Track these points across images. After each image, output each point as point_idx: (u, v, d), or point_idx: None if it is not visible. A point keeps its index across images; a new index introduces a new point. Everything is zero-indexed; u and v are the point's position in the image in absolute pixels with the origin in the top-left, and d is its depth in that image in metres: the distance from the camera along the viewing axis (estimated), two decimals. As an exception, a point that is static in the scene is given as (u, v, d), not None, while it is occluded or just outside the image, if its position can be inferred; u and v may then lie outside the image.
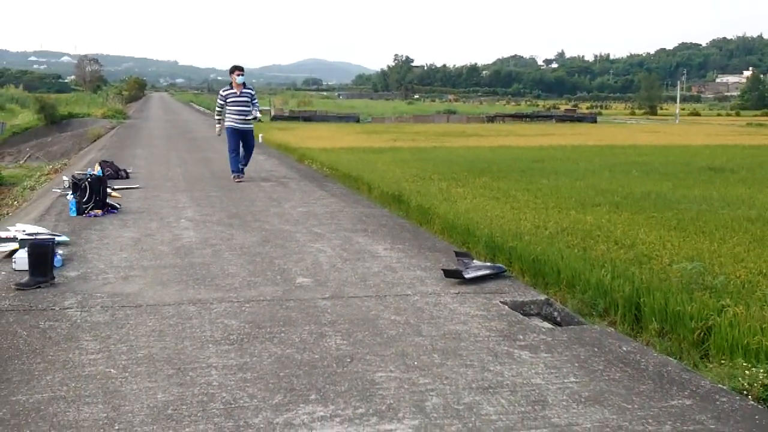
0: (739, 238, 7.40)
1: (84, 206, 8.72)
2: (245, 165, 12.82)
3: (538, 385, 3.75)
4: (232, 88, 12.48)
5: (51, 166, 20.03)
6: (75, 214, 8.65)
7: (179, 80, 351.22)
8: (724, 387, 3.82)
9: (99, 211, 8.76)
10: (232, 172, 12.55)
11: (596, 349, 4.34)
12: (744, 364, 4.13)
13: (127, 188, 11.29)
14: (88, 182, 8.79)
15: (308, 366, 3.92)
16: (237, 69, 12.49)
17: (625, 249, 6.80)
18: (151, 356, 4.04)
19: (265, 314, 4.86)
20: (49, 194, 11.05)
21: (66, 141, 30.46)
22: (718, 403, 3.61)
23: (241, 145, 12.61)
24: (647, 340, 4.91)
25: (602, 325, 5.07)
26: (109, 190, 10.01)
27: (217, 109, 12.77)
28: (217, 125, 12.91)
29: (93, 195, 8.81)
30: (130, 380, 3.69)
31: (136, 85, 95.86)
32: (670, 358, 4.32)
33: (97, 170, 11.38)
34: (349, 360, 4.02)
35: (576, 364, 4.07)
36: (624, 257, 6.43)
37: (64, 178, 10.59)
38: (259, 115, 12.79)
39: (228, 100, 12.40)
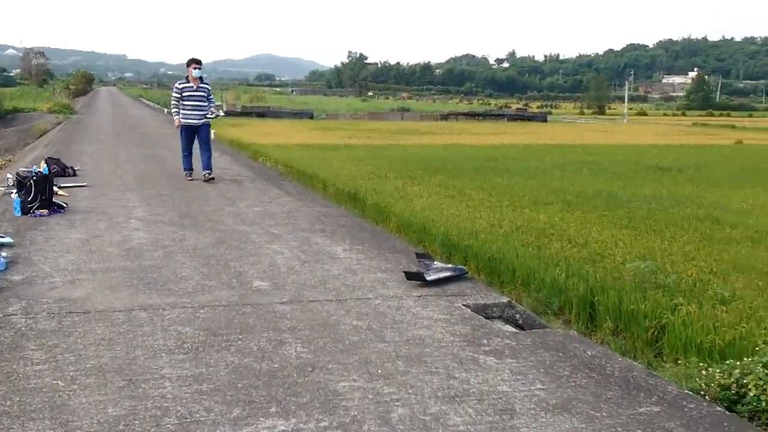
0: (689, 236, 7.53)
1: (29, 205, 8.41)
2: (208, 166, 12.02)
3: (504, 393, 3.67)
4: (188, 82, 11.93)
5: (-7, 163, 19.34)
6: (20, 214, 8.34)
7: (128, 74, 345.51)
8: (691, 392, 3.81)
9: (45, 211, 8.46)
10: (185, 169, 12.13)
11: (561, 354, 4.29)
12: (701, 364, 4.14)
13: (74, 186, 10.93)
14: (34, 180, 8.46)
15: (267, 376, 3.77)
16: (194, 62, 11.94)
17: (578, 247, 6.84)
18: (101, 367, 3.84)
19: (221, 320, 4.69)
20: (-8, 193, 10.62)
21: (10, 136, 29.47)
22: (686, 409, 3.57)
23: (197, 143, 12.11)
24: (602, 339, 4.92)
25: (561, 326, 5.06)
26: (55, 189, 9.69)
27: (173, 102, 12.23)
28: (176, 117, 12.23)
29: (38, 194, 8.49)
30: (78, 393, 3.50)
31: (83, 79, 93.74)
32: (635, 363, 4.30)
33: (42, 167, 11.01)
34: (310, 369, 3.88)
35: (542, 370, 4.01)
36: (577, 256, 6.46)
37: (8, 175, 10.20)
38: (221, 113, 12.33)
39: (184, 94, 11.89)
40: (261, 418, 3.29)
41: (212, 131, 13.72)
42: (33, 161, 13.91)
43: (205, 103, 11.98)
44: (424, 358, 4.11)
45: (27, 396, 3.46)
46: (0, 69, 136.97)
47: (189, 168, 12.14)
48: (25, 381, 3.64)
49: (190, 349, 4.15)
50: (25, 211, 8.36)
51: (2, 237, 6.86)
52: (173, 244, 7.05)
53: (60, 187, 10.27)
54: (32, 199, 8.43)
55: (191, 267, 6.12)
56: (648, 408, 3.56)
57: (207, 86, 12.17)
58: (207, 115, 11.94)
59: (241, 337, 4.38)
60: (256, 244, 7.14)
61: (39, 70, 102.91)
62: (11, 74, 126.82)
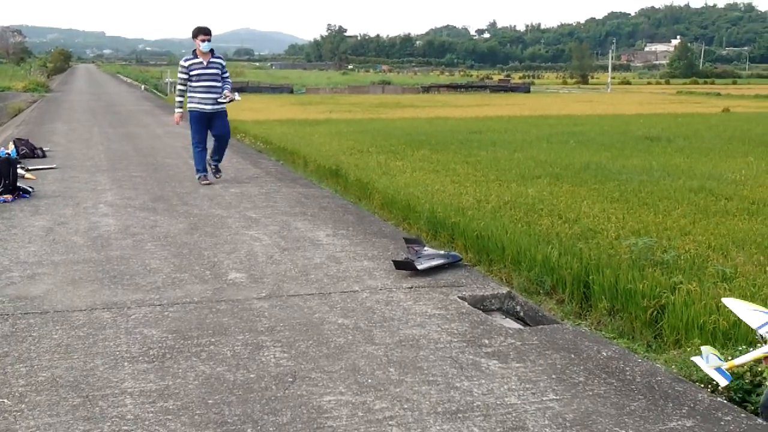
0: (683, 209, 7.25)
1: (-8, 191, 7.96)
2: (219, 161, 9.72)
3: (513, 406, 3.24)
4: (195, 57, 9.27)
5: (-37, 145, 18.72)
6: (-19, 201, 7.88)
7: (107, 51, 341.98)
8: (725, 401, 3.40)
9: (9, 196, 8.04)
10: (197, 171, 9.55)
11: (573, 356, 3.86)
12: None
13: (42, 169, 10.46)
14: (-4, 165, 7.99)
15: (242, 389, 3.36)
16: (202, 32, 9.25)
17: (569, 223, 6.55)
18: (55, 380, 3.44)
19: (192, 320, 4.29)
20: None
21: (-18, 117, 28.73)
22: (722, 423, 3.13)
23: (208, 134, 9.54)
24: (597, 319, 4.65)
25: (559, 314, 4.71)
26: (22, 172, 9.26)
27: (179, 87, 9.54)
28: (177, 109, 9.76)
29: (2, 178, 8.05)
30: (26, 414, 3.10)
31: (60, 57, 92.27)
32: (657, 365, 3.86)
33: (10, 149, 10.52)
34: (291, 380, 3.47)
35: (553, 376, 3.58)
36: (569, 232, 6.18)
37: (-28, 159, 9.69)
38: (237, 96, 9.58)
39: (192, 74, 9.24)
40: (233, 443, 2.88)
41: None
42: (3, 142, 13.38)
43: (219, 84, 9.34)
44: (419, 364, 3.69)
45: (-32, 418, 3.06)
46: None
47: (203, 169, 9.54)
48: (-33, 398, 3.24)
49: (156, 356, 3.75)
50: (-13, 197, 7.93)
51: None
52: (143, 231, 6.64)
53: (27, 170, 9.81)
54: (-6, 184, 7.98)
55: (162, 257, 5.73)
56: (679, 422, 3.14)
57: (220, 61, 9.47)
58: (219, 99, 9.32)
59: (213, 340, 3.97)
60: (232, 229, 6.75)
61: (16, 49, 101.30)
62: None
